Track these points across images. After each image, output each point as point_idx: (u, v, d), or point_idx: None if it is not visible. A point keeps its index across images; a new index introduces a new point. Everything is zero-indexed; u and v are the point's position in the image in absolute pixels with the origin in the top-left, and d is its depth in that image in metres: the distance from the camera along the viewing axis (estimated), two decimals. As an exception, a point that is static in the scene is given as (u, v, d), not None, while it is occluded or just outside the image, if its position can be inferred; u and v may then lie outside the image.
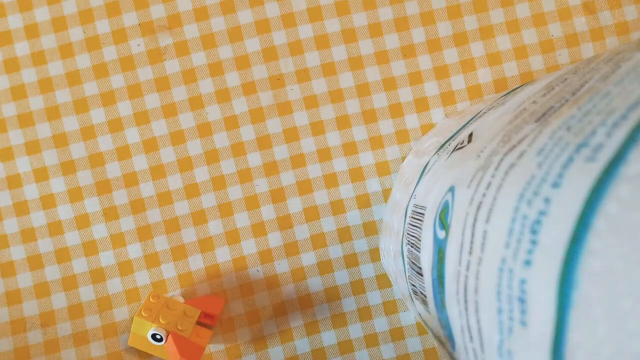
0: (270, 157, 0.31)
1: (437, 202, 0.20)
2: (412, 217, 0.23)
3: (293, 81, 0.31)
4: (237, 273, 0.31)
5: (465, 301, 0.16)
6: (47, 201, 0.30)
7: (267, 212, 0.31)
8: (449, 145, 0.23)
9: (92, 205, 0.30)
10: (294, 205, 0.31)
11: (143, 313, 0.28)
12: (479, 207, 0.15)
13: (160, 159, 0.31)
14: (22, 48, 0.31)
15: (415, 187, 0.25)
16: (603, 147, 0.12)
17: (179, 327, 0.27)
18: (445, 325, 0.19)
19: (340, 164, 0.31)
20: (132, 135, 0.31)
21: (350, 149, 0.31)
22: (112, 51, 0.31)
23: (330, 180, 0.31)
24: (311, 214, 0.31)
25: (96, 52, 0.31)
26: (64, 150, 0.30)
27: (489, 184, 0.15)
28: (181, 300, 0.29)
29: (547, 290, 0.12)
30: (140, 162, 0.31)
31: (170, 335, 0.27)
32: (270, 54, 0.31)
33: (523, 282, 0.13)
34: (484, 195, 0.15)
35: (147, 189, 0.31)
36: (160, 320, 0.27)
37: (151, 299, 0.28)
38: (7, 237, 0.30)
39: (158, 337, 0.27)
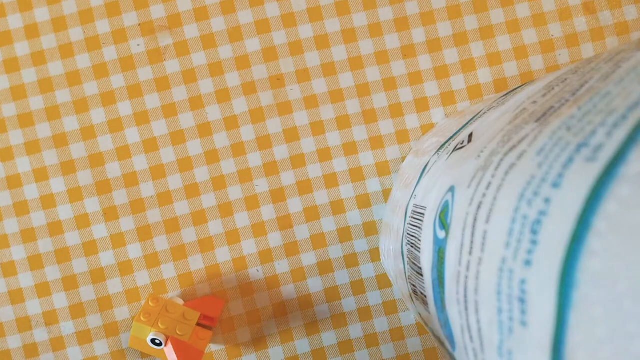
0: (270, 157, 0.31)
1: (437, 202, 0.20)
2: (412, 217, 0.23)
3: (293, 81, 0.31)
4: (237, 273, 0.31)
5: (465, 301, 0.16)
6: (47, 201, 0.30)
7: (267, 212, 0.31)
8: (449, 145, 0.23)
9: (92, 205, 0.30)
10: (294, 205, 0.31)
11: (142, 317, 0.28)
12: (479, 207, 0.15)
13: (160, 159, 0.31)
14: (22, 48, 0.31)
15: (415, 187, 0.25)
16: (603, 147, 0.12)
17: (178, 332, 0.27)
18: (445, 325, 0.19)
19: (340, 164, 0.31)
20: (132, 135, 0.31)
21: (350, 149, 0.31)
22: (112, 51, 0.31)
23: (330, 180, 0.31)
24: (311, 214, 0.31)
25: (96, 52, 0.31)
26: (64, 150, 0.30)
27: (489, 184, 0.15)
28: (180, 302, 0.29)
29: (547, 290, 0.12)
30: (140, 162, 0.31)
31: (169, 340, 0.27)
32: (270, 54, 0.31)
33: (523, 282, 0.13)
34: (484, 195, 0.15)
35: (147, 189, 0.31)
36: (160, 325, 0.27)
37: (150, 303, 0.28)
38: (8, 237, 0.30)
39: (157, 342, 0.27)
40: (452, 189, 0.18)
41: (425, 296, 0.21)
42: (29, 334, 0.30)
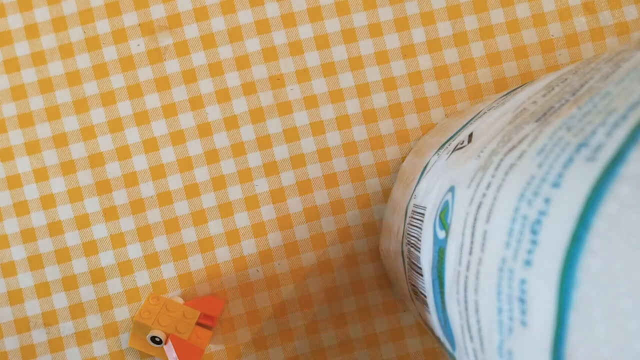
0: (270, 157, 0.31)
1: (437, 202, 0.20)
2: (412, 217, 0.23)
3: (293, 81, 0.31)
4: (237, 273, 0.31)
5: (465, 301, 0.16)
6: (47, 201, 0.30)
7: (267, 212, 0.31)
8: (449, 145, 0.23)
9: (92, 205, 0.30)
10: (294, 205, 0.31)
11: (142, 315, 0.28)
12: (479, 207, 0.15)
13: (160, 159, 0.31)
14: (22, 48, 0.31)
15: (415, 187, 0.25)
16: (603, 147, 0.12)
17: (178, 330, 0.27)
18: (445, 325, 0.19)
19: (340, 164, 0.31)
20: (132, 135, 0.31)
21: (350, 149, 0.31)
22: (112, 51, 0.31)
23: (330, 180, 0.31)
24: (311, 214, 0.31)
25: (96, 52, 0.31)
26: (64, 150, 0.30)
27: (489, 184, 0.15)
28: (181, 301, 0.29)
29: (547, 290, 0.12)
30: (140, 162, 0.31)
31: (169, 338, 0.27)
32: (270, 54, 0.31)
33: (523, 282, 0.13)
34: (484, 195, 0.15)
35: (147, 189, 0.31)
36: (160, 322, 0.27)
37: (150, 301, 0.28)
38: (7, 237, 0.30)
39: (157, 339, 0.27)
40: (452, 189, 0.18)
41: (425, 296, 0.21)
42: (27, 335, 0.30)
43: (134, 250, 0.30)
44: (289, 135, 0.31)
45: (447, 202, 0.18)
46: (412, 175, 0.27)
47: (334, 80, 0.31)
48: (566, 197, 0.12)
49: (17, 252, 0.30)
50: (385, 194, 0.31)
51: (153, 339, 0.27)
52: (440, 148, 0.25)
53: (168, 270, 0.31)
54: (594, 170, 0.11)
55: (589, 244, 0.11)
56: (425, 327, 0.30)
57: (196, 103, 0.31)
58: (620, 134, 0.11)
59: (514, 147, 0.15)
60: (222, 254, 0.31)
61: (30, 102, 0.30)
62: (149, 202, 0.31)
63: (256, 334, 0.31)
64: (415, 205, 0.23)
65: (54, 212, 0.30)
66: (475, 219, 0.16)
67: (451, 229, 0.17)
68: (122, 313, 0.30)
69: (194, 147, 0.31)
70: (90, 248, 0.30)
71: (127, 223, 0.30)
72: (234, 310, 0.31)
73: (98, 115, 0.31)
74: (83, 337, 0.30)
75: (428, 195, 0.21)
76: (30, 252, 0.30)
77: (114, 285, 0.30)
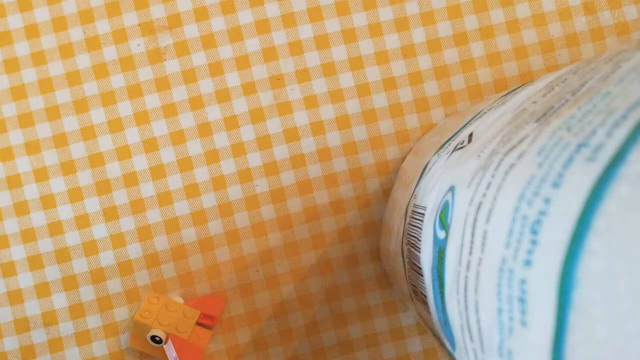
0: (270, 157, 0.31)
1: (437, 202, 0.20)
2: (412, 217, 0.23)
3: (293, 81, 0.31)
4: (237, 273, 0.31)
5: (465, 301, 0.16)
6: (47, 201, 0.30)
7: (267, 212, 0.31)
8: (449, 145, 0.23)
9: (92, 205, 0.30)
10: (294, 205, 0.31)
11: (142, 315, 0.28)
12: (479, 207, 0.15)
13: (160, 159, 0.31)
14: (22, 48, 0.31)
15: (415, 187, 0.25)
16: (603, 147, 0.12)
17: (178, 329, 0.27)
18: (445, 325, 0.19)
19: (340, 164, 0.31)
20: (132, 135, 0.31)
21: (350, 149, 0.31)
22: (112, 51, 0.31)
23: (330, 180, 0.31)
24: (311, 214, 0.31)
25: (96, 52, 0.31)
26: (64, 150, 0.30)
27: (489, 184, 0.15)
28: (181, 301, 0.29)
29: (547, 290, 0.12)
30: (140, 162, 0.31)
31: (169, 338, 0.27)
32: (270, 54, 0.31)
33: (523, 282, 0.13)
34: (484, 195, 0.15)
35: (147, 189, 0.31)
36: (160, 322, 0.27)
37: (150, 301, 0.28)
38: (7, 237, 0.30)
39: (157, 339, 0.27)
40: (452, 189, 0.18)
41: (425, 296, 0.21)
42: (26, 335, 0.30)
43: (134, 250, 0.30)
44: (289, 135, 0.31)
45: (447, 202, 0.18)
46: (412, 175, 0.27)
47: (334, 80, 0.31)
48: (566, 197, 0.12)
49: (17, 252, 0.30)
50: (385, 194, 0.31)
51: (153, 338, 0.27)
52: (440, 148, 0.25)
53: (168, 270, 0.31)
54: (594, 170, 0.11)
55: (589, 244, 0.11)
56: (425, 327, 0.30)
57: (196, 103, 0.31)
58: (620, 134, 0.11)
59: (514, 147, 0.15)
60: (222, 254, 0.31)
61: (30, 102, 0.30)
62: (149, 202, 0.31)
63: (256, 334, 0.31)
64: (415, 205, 0.23)
65: (54, 212, 0.30)
66: (475, 219, 0.16)
67: (451, 229, 0.17)
68: (122, 313, 0.30)
69: (194, 147, 0.31)
70: (90, 248, 0.30)
71: (127, 223, 0.30)
72: (234, 310, 0.31)
73: (98, 115, 0.31)
74: (83, 338, 0.30)
75: (428, 195, 0.21)
76: (30, 252, 0.30)
77: (114, 285, 0.30)
